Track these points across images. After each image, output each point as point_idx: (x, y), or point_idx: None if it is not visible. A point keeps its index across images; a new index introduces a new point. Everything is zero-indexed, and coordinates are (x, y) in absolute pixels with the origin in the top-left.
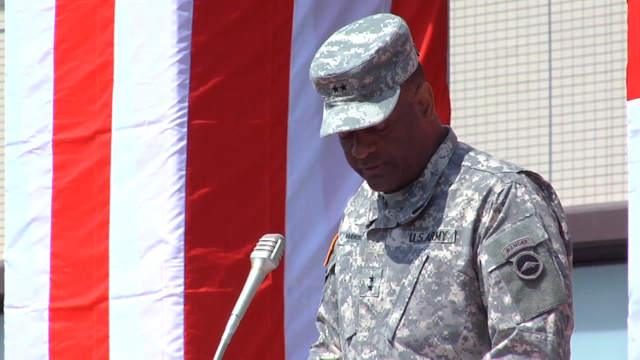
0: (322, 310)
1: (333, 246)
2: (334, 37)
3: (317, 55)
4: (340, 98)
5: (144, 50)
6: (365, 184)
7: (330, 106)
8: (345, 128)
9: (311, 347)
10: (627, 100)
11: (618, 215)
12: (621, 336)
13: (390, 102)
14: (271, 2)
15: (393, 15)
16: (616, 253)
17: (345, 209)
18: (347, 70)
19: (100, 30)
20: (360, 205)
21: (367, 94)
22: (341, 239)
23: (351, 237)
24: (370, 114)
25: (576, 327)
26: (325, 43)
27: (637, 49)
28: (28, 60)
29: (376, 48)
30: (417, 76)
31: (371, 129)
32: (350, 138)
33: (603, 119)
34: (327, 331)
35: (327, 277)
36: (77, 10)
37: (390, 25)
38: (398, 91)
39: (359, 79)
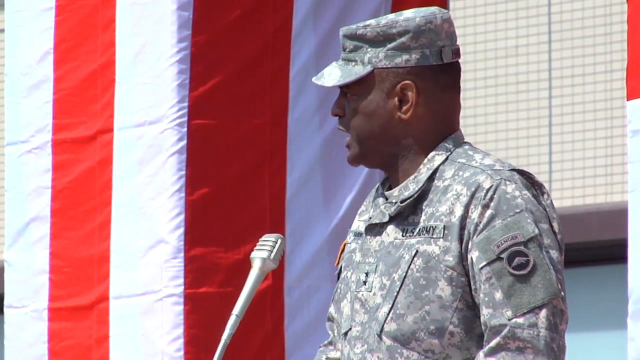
0: (331, 309)
1: (344, 246)
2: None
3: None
4: (341, 55)
5: (145, 50)
6: (379, 184)
7: None
8: (313, 79)
9: (320, 346)
10: (627, 100)
11: (618, 215)
12: (621, 336)
13: (352, 76)
14: (271, 2)
15: (433, 11)
16: (616, 253)
17: (359, 209)
18: (343, 30)
19: (101, 31)
20: (369, 204)
21: (347, 60)
22: (349, 238)
23: (357, 235)
24: (332, 76)
25: (576, 327)
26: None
27: (637, 49)
28: (27, 60)
29: (368, 23)
30: (408, 73)
31: (344, 95)
32: None
33: (603, 119)
34: (335, 331)
35: (338, 277)
36: (77, 10)
37: (409, 14)
38: (366, 71)
39: (343, 42)
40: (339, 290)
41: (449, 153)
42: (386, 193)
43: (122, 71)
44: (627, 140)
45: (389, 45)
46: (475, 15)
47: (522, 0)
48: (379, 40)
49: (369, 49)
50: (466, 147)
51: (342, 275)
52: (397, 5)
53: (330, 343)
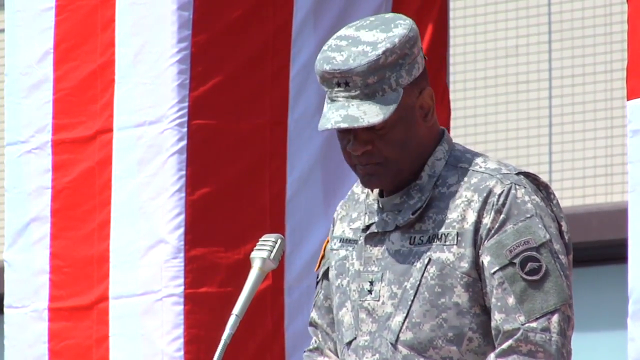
0: (314, 315)
1: (324, 251)
2: (343, 32)
3: (324, 47)
4: (342, 94)
5: (145, 50)
6: (355, 187)
7: (332, 100)
8: (344, 125)
9: (304, 352)
10: (627, 100)
11: (618, 215)
12: (621, 336)
13: (392, 104)
14: (271, 2)
15: (405, 17)
16: (616, 253)
17: (335, 214)
18: (352, 68)
19: (101, 30)
20: (352, 209)
21: (370, 93)
22: (334, 244)
23: (346, 241)
24: (370, 113)
25: (576, 327)
26: (334, 36)
27: (637, 49)
28: (27, 60)
29: (384, 49)
30: (421, 80)
31: (370, 128)
32: (348, 134)
33: (603, 119)
34: (320, 336)
35: (318, 282)
36: (77, 10)
37: (401, 27)
38: (400, 94)
39: (363, 77)
40: (321, 297)
41: (447, 157)
42: (382, 200)
43: (121, 71)
44: (627, 140)
45: (406, 61)
46: (475, 15)
47: (522, 0)
48: (396, 60)
49: (391, 74)
50: (460, 149)
51: (337, 283)
52: (398, 4)
53: (316, 349)
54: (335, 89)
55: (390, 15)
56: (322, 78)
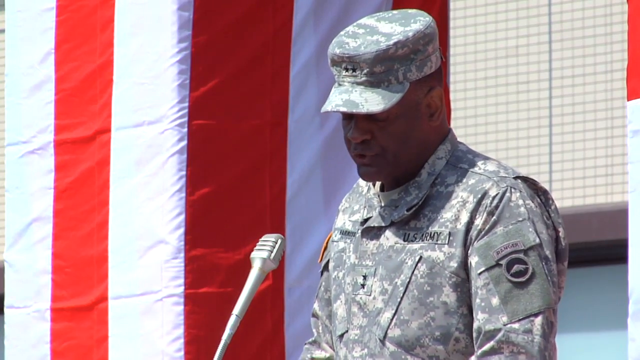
0: (316, 306)
1: (327, 243)
2: (364, 20)
3: (342, 32)
4: (348, 79)
5: (143, 50)
6: (360, 181)
7: (338, 85)
8: (343, 109)
9: (305, 344)
10: (627, 100)
11: (618, 215)
12: (621, 336)
13: (395, 96)
14: (271, 3)
15: (426, 14)
16: (616, 253)
17: (340, 205)
18: (361, 54)
19: (100, 31)
20: (354, 201)
21: (375, 82)
22: (335, 235)
23: (345, 233)
24: (371, 101)
25: (576, 327)
26: (354, 24)
27: (637, 49)
28: (29, 61)
29: (395, 40)
30: (432, 79)
31: (371, 118)
32: (351, 121)
33: (603, 119)
34: (320, 328)
35: (321, 274)
36: (78, 10)
37: (419, 23)
38: (406, 87)
39: (370, 65)
40: (322, 289)
41: (449, 157)
42: (382, 194)
43: (119, 71)
44: (628, 141)
45: (418, 57)
46: (475, 15)
47: (522, 0)
48: (407, 53)
49: (400, 67)
50: (463, 149)
51: (334, 275)
52: (398, 4)
53: (315, 341)
54: (343, 74)
55: (413, 11)
56: (332, 61)
